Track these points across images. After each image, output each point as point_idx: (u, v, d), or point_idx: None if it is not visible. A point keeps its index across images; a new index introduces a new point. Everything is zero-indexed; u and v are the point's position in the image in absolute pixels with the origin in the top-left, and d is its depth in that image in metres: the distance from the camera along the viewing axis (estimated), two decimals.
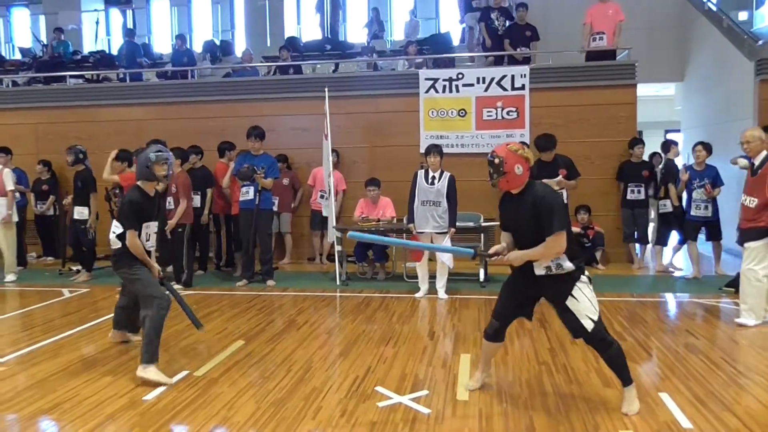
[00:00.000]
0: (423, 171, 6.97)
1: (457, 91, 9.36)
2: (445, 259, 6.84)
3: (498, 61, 9.83)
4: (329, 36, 12.55)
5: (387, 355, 4.86)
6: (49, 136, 10.37)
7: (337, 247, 7.96)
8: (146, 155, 4.60)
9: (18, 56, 13.77)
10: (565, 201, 6.74)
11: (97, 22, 14.03)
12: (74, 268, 8.72)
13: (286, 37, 12.48)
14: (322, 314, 6.35)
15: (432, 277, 7.07)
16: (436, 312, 6.39)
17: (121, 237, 4.53)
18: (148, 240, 4.65)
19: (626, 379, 3.65)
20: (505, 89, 9.24)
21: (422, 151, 9.11)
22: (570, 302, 3.56)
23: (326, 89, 8.33)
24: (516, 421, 3.59)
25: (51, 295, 7.36)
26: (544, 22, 10.44)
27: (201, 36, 14.17)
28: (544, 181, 6.52)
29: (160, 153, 4.60)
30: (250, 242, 7.78)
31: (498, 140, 9.11)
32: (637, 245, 8.88)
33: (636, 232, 8.72)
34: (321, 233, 9.34)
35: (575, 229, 8.37)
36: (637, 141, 8.74)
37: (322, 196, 9.02)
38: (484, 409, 3.74)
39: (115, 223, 4.65)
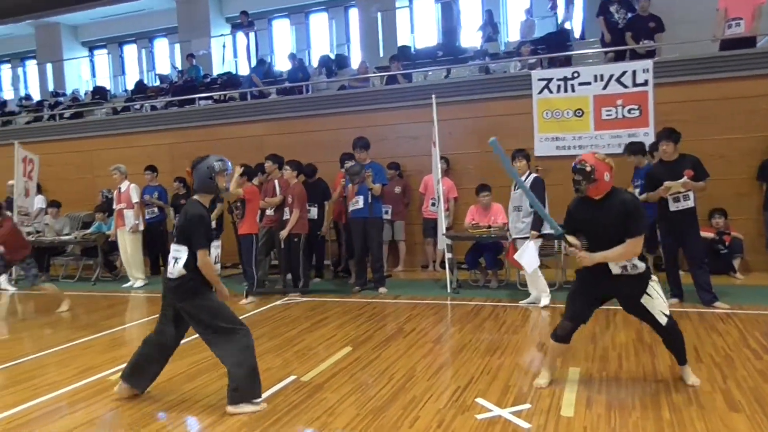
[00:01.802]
0: None
1: (573, 90, 8.93)
2: (523, 264, 6.48)
3: (619, 57, 9.28)
4: (443, 42, 12.51)
5: (492, 365, 4.72)
6: (181, 155, 11.20)
7: (448, 255, 7.88)
8: (209, 164, 4.14)
9: (158, 83, 15.14)
10: (692, 204, 6.18)
11: (224, 46, 15.07)
12: None
13: (398, 47, 12.62)
14: (431, 322, 6.30)
15: (551, 285, 6.82)
16: (548, 323, 6.11)
17: (185, 262, 3.94)
18: (216, 262, 4.14)
19: (684, 359, 4.06)
20: (625, 86, 8.69)
21: (537, 153, 8.88)
22: (645, 300, 3.91)
23: (433, 96, 8.31)
24: None
25: None
26: (670, 11, 9.67)
27: (319, 50, 14.72)
28: (667, 183, 6.06)
29: (222, 162, 4.17)
30: (361, 250, 7.94)
31: (619, 140, 8.62)
32: None
33: None
34: (433, 241, 9.31)
35: (709, 235, 7.68)
36: None
37: (433, 204, 9.00)
38: (589, 427, 3.50)
39: (174, 246, 4.03)
